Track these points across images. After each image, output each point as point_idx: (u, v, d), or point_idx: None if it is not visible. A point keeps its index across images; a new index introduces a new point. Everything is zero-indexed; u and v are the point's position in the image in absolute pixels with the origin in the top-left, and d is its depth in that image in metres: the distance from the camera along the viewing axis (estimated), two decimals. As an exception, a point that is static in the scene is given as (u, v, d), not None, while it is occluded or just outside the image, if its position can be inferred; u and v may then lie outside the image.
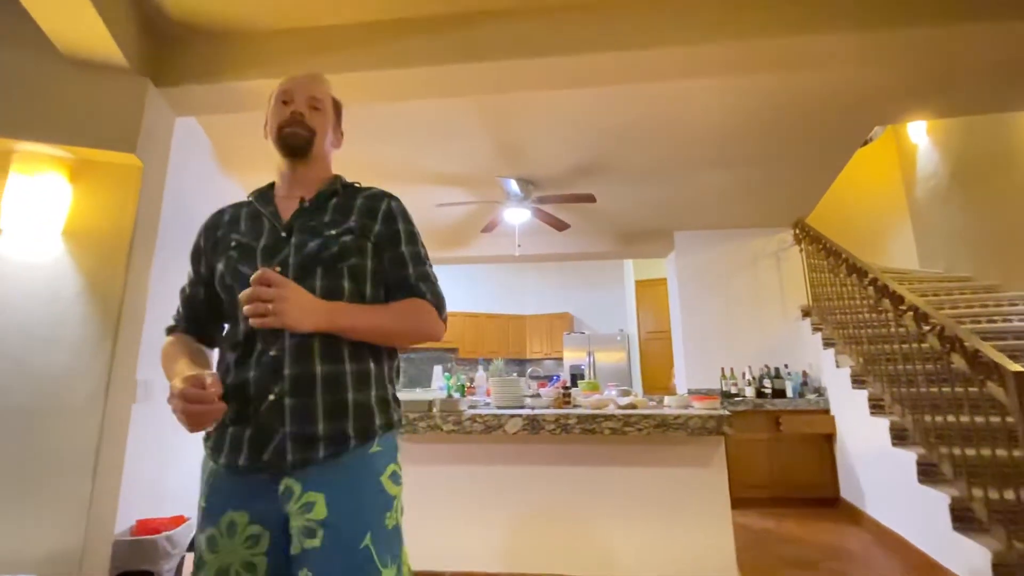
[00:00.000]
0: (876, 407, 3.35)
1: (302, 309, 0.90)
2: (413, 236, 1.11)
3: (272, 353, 0.95)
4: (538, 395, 2.68)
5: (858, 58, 2.21)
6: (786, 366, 4.48)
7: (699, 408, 2.37)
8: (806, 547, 3.09)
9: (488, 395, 2.96)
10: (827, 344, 4.13)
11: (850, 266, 3.70)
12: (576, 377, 6.99)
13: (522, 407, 2.54)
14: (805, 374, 4.38)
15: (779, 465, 4.03)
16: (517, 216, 4.23)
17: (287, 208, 1.07)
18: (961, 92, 2.76)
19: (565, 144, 3.47)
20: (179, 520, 2.56)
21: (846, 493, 3.84)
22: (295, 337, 0.95)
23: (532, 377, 4.09)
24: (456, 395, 2.90)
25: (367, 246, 1.04)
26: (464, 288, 8.48)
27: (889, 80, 2.69)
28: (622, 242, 5.44)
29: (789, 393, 4.27)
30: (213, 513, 0.93)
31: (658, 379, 6.71)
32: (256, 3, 2.15)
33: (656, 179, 3.99)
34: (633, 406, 2.45)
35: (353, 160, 3.53)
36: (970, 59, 2.33)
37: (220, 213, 1.16)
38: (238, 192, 4.01)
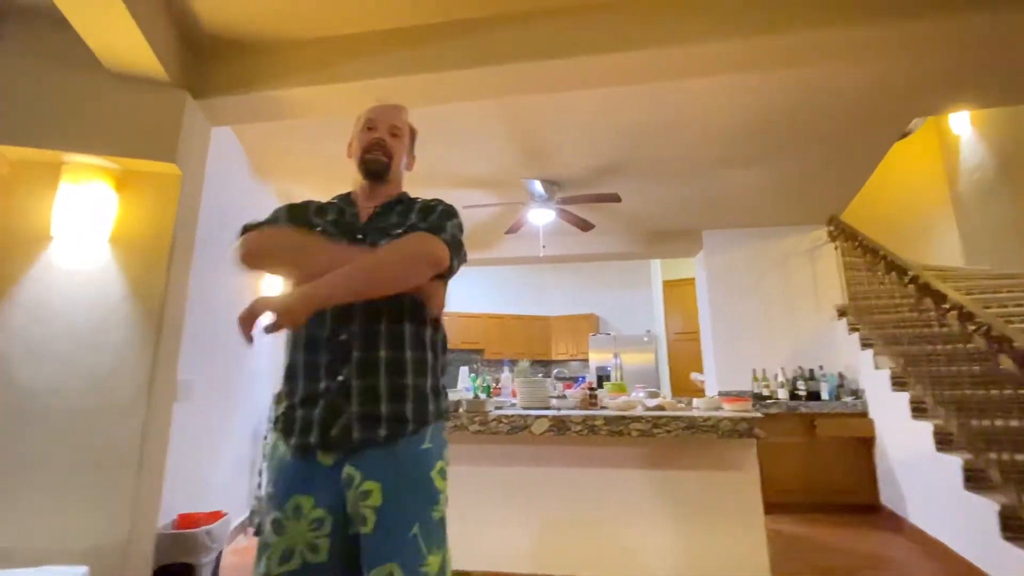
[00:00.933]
0: (918, 410, 3.22)
1: (287, 304, 0.98)
2: (444, 215, 1.16)
3: (342, 337, 1.04)
4: (564, 396, 2.68)
5: (897, 48, 2.12)
6: (821, 367, 4.35)
7: (730, 410, 2.32)
8: (844, 555, 2.99)
9: (514, 396, 2.96)
10: (865, 345, 3.99)
11: (889, 263, 3.56)
12: (602, 379, 6.93)
13: (548, 408, 2.54)
14: (841, 376, 4.24)
15: (814, 470, 3.91)
16: (541, 217, 4.23)
17: (364, 214, 1.21)
18: (1007, 81, 2.63)
19: (589, 144, 3.45)
20: (217, 515, 2.66)
21: (886, 499, 3.70)
22: (364, 324, 1.04)
23: (558, 378, 4.08)
24: (482, 396, 2.92)
25: None
26: (489, 289, 8.52)
27: (929, 70, 2.59)
28: (649, 242, 5.37)
29: (824, 395, 4.14)
30: (279, 497, 1.00)
31: (687, 381, 6.59)
32: (284, 16, 2.22)
33: (683, 177, 3.93)
34: (661, 408, 2.42)
35: (380, 165, 3.59)
36: (1018, 46, 2.22)
37: (308, 202, 1.26)
38: (270, 196, 4.13)
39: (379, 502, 0.97)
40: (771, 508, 3.48)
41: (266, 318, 0.98)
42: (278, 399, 1.10)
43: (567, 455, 2.46)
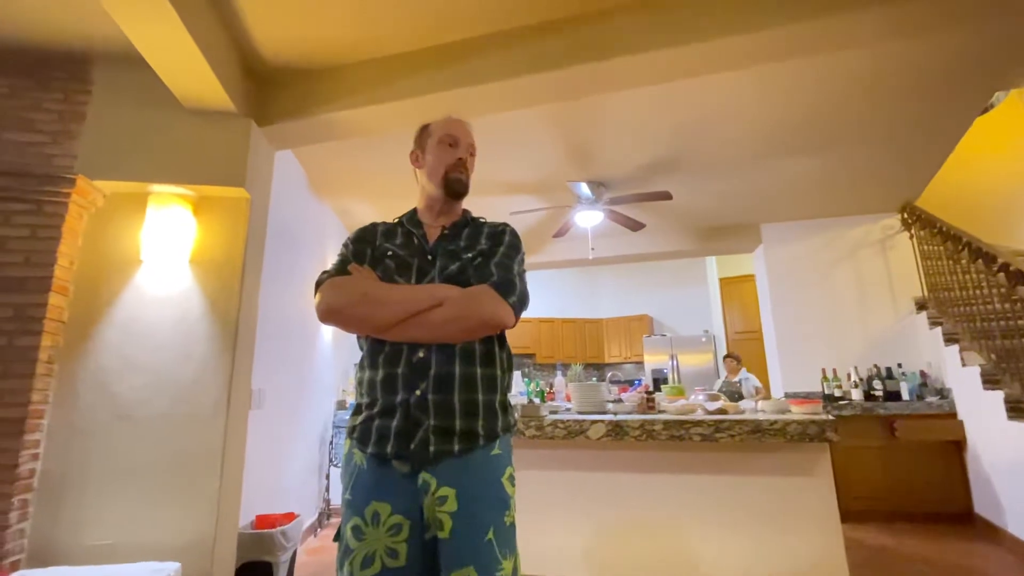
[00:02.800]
0: (1015, 410, 2.93)
1: None
2: (512, 249, 1.21)
3: (420, 355, 1.08)
4: (620, 400, 2.64)
5: (977, 14, 1.96)
6: (899, 365, 4.05)
7: (798, 413, 2.21)
8: (935, 567, 2.76)
9: (567, 400, 2.95)
10: (949, 340, 3.68)
11: (974, 251, 3.28)
12: (658, 381, 6.76)
13: (604, 412, 2.52)
14: (924, 374, 3.93)
15: (896, 475, 3.64)
16: (589, 219, 4.20)
17: (432, 234, 1.24)
18: (1108, 42, 2.37)
19: (636, 142, 3.40)
20: (291, 516, 2.81)
21: (980, 508, 3.39)
22: (440, 342, 1.08)
23: (612, 382, 4.02)
24: (536, 400, 2.93)
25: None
26: (539, 293, 8.52)
27: (1014, 36, 2.37)
28: (703, 239, 5.21)
29: (905, 395, 3.85)
30: (358, 504, 1.04)
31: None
32: (337, 43, 2.34)
33: (737, 171, 3.79)
34: (723, 411, 2.34)
35: (430, 176, 3.69)
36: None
37: (374, 225, 1.29)
38: (330, 215, 4.35)
39: (455, 507, 1.00)
40: (849, 516, 3.28)
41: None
42: (356, 410, 1.14)
43: (625, 460, 2.42)
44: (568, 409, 2.72)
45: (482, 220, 1.30)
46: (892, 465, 3.66)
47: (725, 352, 6.77)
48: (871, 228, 4.48)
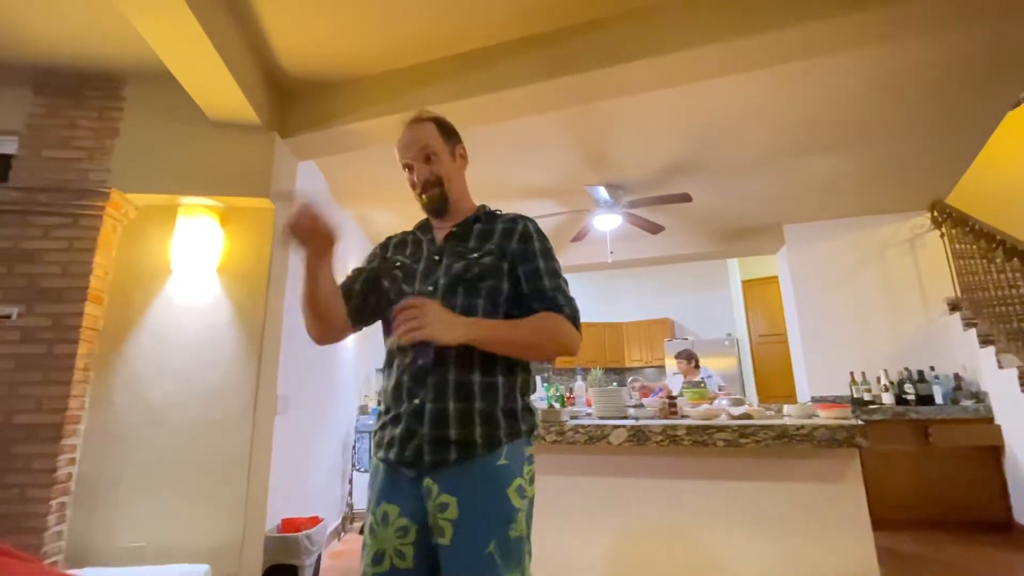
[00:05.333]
0: (1058, 415, 2.82)
1: (444, 324, 1.00)
2: (548, 252, 1.19)
3: (420, 363, 1.08)
4: (641, 405, 2.62)
5: (1002, 10, 1.91)
6: (932, 368, 3.92)
7: (826, 417, 2.16)
8: (973, 579, 2.66)
9: (588, 405, 2.94)
10: (985, 341, 3.55)
11: (1009, 249, 3.17)
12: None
13: (625, 418, 2.49)
14: (958, 377, 3.79)
15: (931, 482, 3.52)
16: (607, 223, 4.19)
17: (441, 236, 1.23)
18: None
19: (654, 145, 3.38)
20: (316, 520, 2.85)
21: (1021, 515, 3.25)
22: (437, 349, 1.05)
23: (633, 387, 3.98)
24: (556, 405, 2.92)
25: (504, 267, 1.13)
26: (559, 298, 8.46)
27: (1044, 29, 2.29)
28: (724, 240, 5.13)
29: (939, 399, 3.72)
30: (373, 504, 1.09)
31: (775, 386, 6.18)
32: (357, 55, 2.38)
33: (758, 171, 3.73)
34: (748, 416, 2.30)
35: (448, 183, 3.72)
36: None
37: (389, 239, 1.32)
38: (351, 223, 4.41)
39: (455, 515, 0.99)
40: (882, 524, 3.18)
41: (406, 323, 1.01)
42: (378, 416, 1.18)
43: (647, 466, 2.40)
44: (588, 414, 2.70)
45: (497, 212, 1.27)
46: (926, 471, 3.54)
47: (750, 355, 6.66)
48: (899, 227, 4.36)
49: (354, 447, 4.22)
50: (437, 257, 1.18)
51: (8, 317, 2.18)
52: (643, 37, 2.15)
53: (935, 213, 4.14)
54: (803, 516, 2.15)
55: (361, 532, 1.16)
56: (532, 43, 2.28)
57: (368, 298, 1.24)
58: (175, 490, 2.23)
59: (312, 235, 1.06)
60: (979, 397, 3.65)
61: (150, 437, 2.27)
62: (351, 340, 4.33)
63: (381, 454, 1.10)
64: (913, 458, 3.58)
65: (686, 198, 3.74)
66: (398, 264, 1.20)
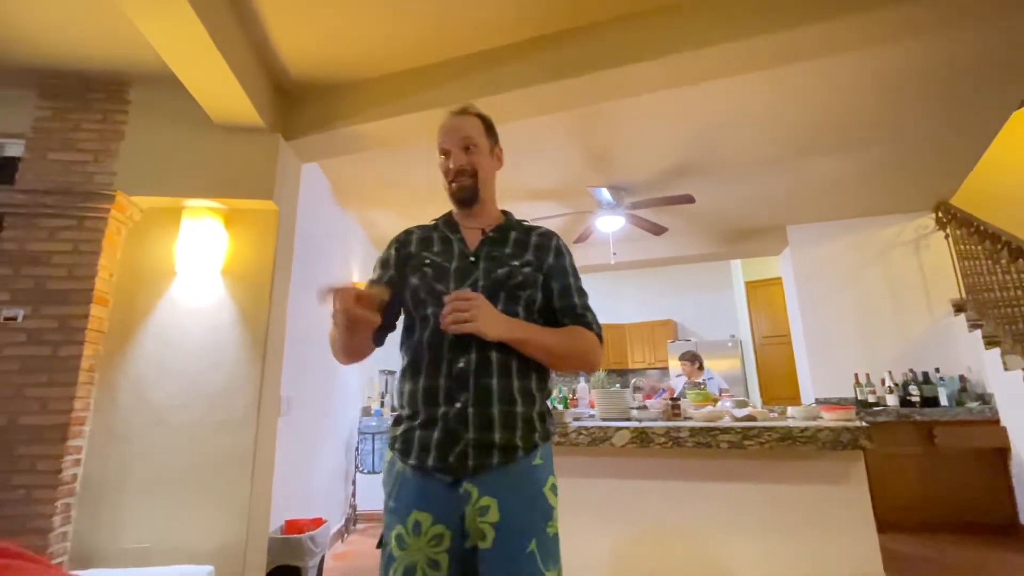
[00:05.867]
0: (1064, 417, 2.80)
1: (492, 319, 1.03)
2: (576, 270, 1.25)
3: (460, 365, 1.06)
4: (644, 407, 2.61)
5: (1006, 12, 1.90)
6: (937, 370, 3.90)
7: (830, 419, 2.15)
8: (979, 582, 2.64)
9: (591, 406, 2.94)
10: (990, 343, 3.54)
11: (1014, 250, 3.15)
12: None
13: (628, 419, 2.49)
14: (963, 379, 3.78)
15: (936, 484, 3.50)
16: (610, 224, 4.18)
17: (471, 237, 1.20)
18: None
19: (658, 146, 3.38)
20: (319, 522, 2.86)
21: (1030, 520, 3.23)
22: (478, 352, 1.06)
23: (637, 387, 3.98)
24: (559, 407, 2.92)
25: (539, 279, 1.16)
26: (562, 299, 8.44)
27: (1049, 29, 2.28)
28: (727, 242, 5.12)
29: (943, 401, 3.71)
30: (400, 513, 1.03)
31: (778, 388, 6.16)
32: (361, 58, 2.39)
33: (762, 172, 3.73)
34: (752, 418, 2.29)
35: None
36: None
37: (409, 232, 1.26)
38: (354, 224, 4.43)
39: (497, 518, 0.99)
40: (887, 526, 3.17)
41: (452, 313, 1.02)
42: (397, 421, 1.13)
43: (650, 468, 2.39)
44: (592, 416, 2.70)
45: (525, 223, 1.28)
46: (931, 473, 3.52)
47: (754, 357, 6.64)
48: (903, 228, 4.34)
49: (357, 448, 4.23)
50: (472, 259, 1.15)
51: (14, 319, 2.19)
52: (646, 39, 2.15)
53: (940, 214, 4.12)
54: (807, 518, 2.14)
55: (380, 543, 1.09)
56: (535, 45, 2.29)
57: (390, 312, 1.19)
58: (179, 491, 2.23)
59: (360, 319, 1.02)
60: (984, 399, 3.63)
61: (154, 438, 2.28)
62: (354, 341, 4.33)
63: (412, 460, 1.05)
64: (918, 460, 3.56)
65: (689, 199, 3.73)
66: (427, 262, 1.16)
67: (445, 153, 1.21)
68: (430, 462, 1.02)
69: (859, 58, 2.49)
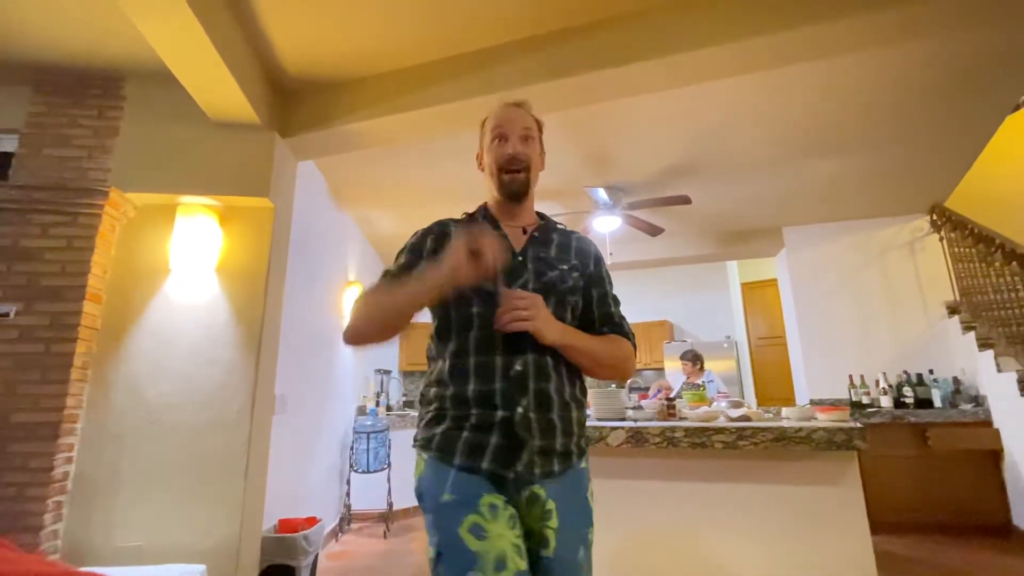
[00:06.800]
0: (1056, 419, 2.82)
1: (549, 321, 1.01)
2: (611, 279, 1.24)
3: (518, 368, 1.00)
4: (639, 407, 2.61)
5: (1002, 14, 1.91)
6: (931, 372, 3.92)
7: (824, 420, 2.16)
8: (972, 583, 2.66)
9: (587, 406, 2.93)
10: (984, 345, 3.56)
11: (1008, 253, 3.17)
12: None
13: (623, 419, 2.49)
14: (957, 380, 3.80)
15: (929, 485, 3.52)
16: (607, 224, 4.19)
17: (514, 236, 1.14)
18: None
19: (655, 147, 3.39)
20: (313, 521, 2.84)
21: (1020, 519, 3.25)
22: (534, 355, 1.01)
23: (632, 389, 3.98)
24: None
25: (581, 285, 1.14)
26: (558, 300, 8.44)
27: (1044, 34, 2.30)
28: (723, 243, 5.14)
29: (937, 403, 3.72)
30: (469, 501, 0.92)
31: (774, 389, 6.18)
32: (356, 54, 2.39)
33: (758, 174, 3.74)
34: (747, 418, 2.30)
35: (443, 183, 3.74)
36: None
37: (445, 224, 1.17)
38: (350, 223, 4.41)
39: (556, 524, 0.96)
40: (880, 528, 3.17)
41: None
42: (432, 422, 1.03)
43: (645, 467, 2.39)
44: (587, 416, 2.70)
45: (562, 226, 1.25)
46: (925, 475, 3.54)
47: (749, 358, 6.66)
48: (899, 230, 4.36)
49: (352, 448, 4.22)
50: (520, 258, 1.10)
51: (6, 315, 2.18)
52: (643, 39, 2.15)
53: (935, 216, 4.14)
54: (801, 519, 2.14)
55: (435, 557, 0.91)
56: (533, 44, 2.29)
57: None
58: (172, 490, 2.22)
59: (477, 265, 0.94)
60: (978, 401, 3.65)
61: (147, 436, 2.27)
62: (350, 340, 4.32)
63: (460, 460, 0.96)
64: (912, 461, 3.58)
65: (686, 200, 3.74)
66: None
67: (502, 138, 1.13)
68: (486, 465, 0.95)
69: (855, 61, 2.50)
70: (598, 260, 1.20)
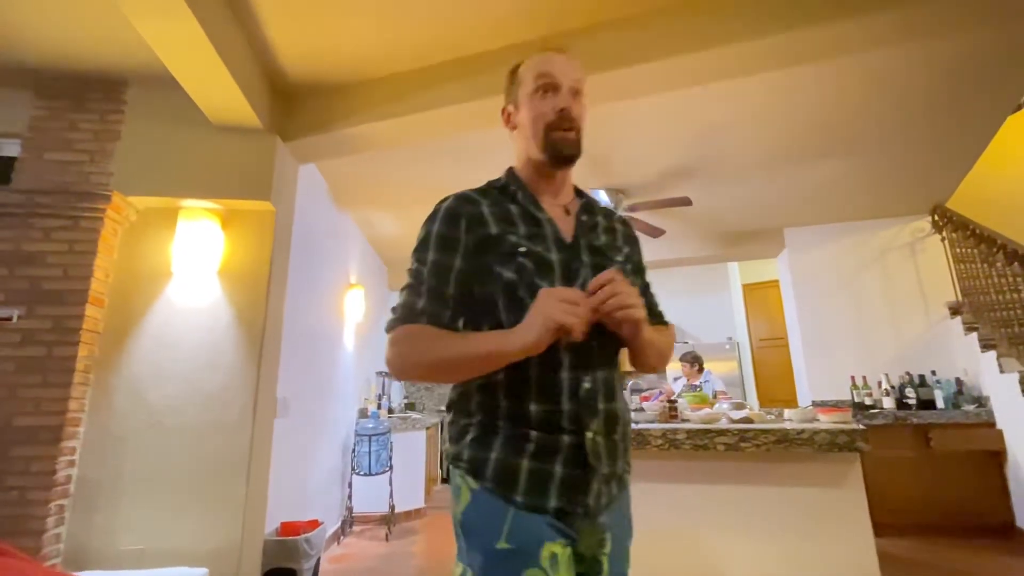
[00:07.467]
0: (1060, 420, 2.81)
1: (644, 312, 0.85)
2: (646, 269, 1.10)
3: (587, 386, 0.85)
4: (641, 409, 2.61)
5: (1002, 14, 1.91)
6: (933, 373, 3.91)
7: (826, 422, 2.15)
8: (976, 585, 2.65)
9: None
10: (986, 346, 3.55)
11: (1010, 253, 3.17)
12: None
13: (626, 421, 2.49)
14: (959, 381, 3.79)
15: (932, 487, 3.51)
16: (609, 226, 4.18)
17: (557, 216, 0.96)
18: None
19: (655, 149, 3.39)
20: (315, 524, 2.84)
21: (1023, 521, 3.24)
22: (603, 370, 0.88)
23: (633, 391, 3.98)
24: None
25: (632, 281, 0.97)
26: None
27: (1044, 34, 2.30)
28: (724, 244, 5.14)
29: (940, 404, 3.71)
30: (529, 552, 0.79)
31: (776, 390, 6.17)
32: (356, 58, 2.39)
33: (759, 175, 3.74)
34: (749, 420, 2.29)
35: (444, 184, 3.73)
36: None
37: (473, 201, 0.94)
38: (351, 225, 4.42)
39: (609, 549, 0.87)
40: (883, 529, 3.17)
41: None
42: (479, 443, 0.86)
43: (647, 469, 2.39)
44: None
45: (599, 204, 1.08)
46: (927, 476, 3.53)
47: (751, 359, 6.65)
48: (900, 231, 4.36)
49: (354, 450, 4.21)
50: (575, 248, 0.91)
51: (9, 319, 2.18)
52: (645, 41, 2.16)
53: (936, 217, 4.14)
54: (804, 521, 2.14)
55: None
56: (534, 47, 2.29)
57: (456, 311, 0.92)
58: (174, 493, 2.22)
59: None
60: (980, 401, 3.64)
61: (149, 440, 2.27)
62: (350, 342, 4.33)
63: (522, 498, 0.81)
64: (914, 463, 3.57)
65: (686, 202, 3.74)
66: (523, 250, 0.88)
67: (552, 88, 0.93)
68: (553, 503, 0.81)
69: (856, 62, 2.50)
70: (638, 245, 1.07)
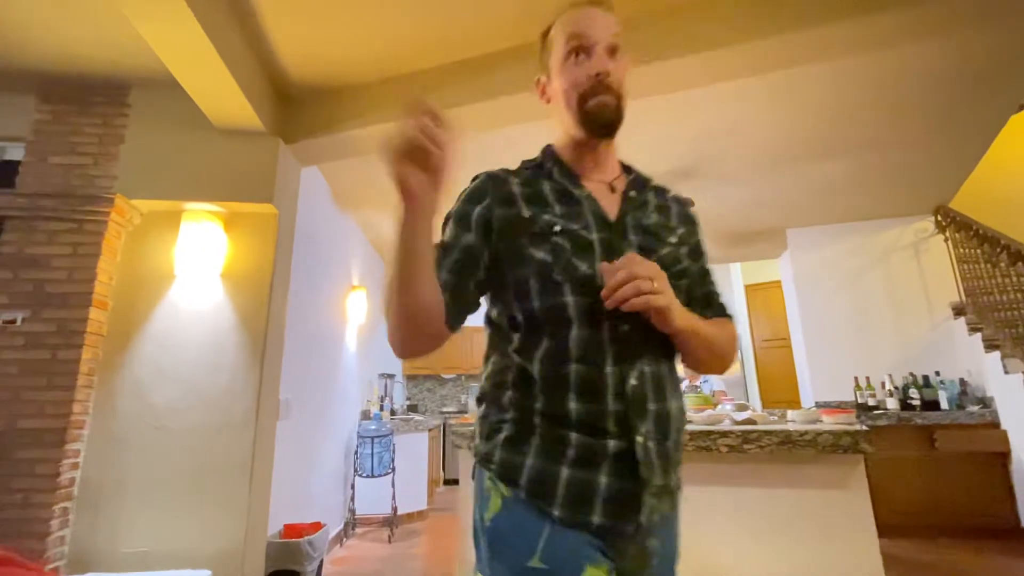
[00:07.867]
0: (1065, 420, 2.80)
1: (673, 298, 0.74)
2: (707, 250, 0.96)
3: (633, 382, 0.74)
4: (645, 410, 2.60)
5: (1004, 14, 1.91)
6: (937, 373, 3.90)
7: (830, 423, 2.14)
8: (981, 587, 2.63)
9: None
10: (990, 346, 3.53)
11: (1013, 253, 3.16)
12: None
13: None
14: (963, 382, 3.77)
15: (936, 488, 3.49)
16: (611, 228, 4.18)
17: (600, 194, 0.85)
18: None
19: (655, 151, 3.39)
20: (317, 526, 2.85)
21: (1031, 524, 3.22)
22: (652, 364, 0.77)
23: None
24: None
25: (687, 265, 0.88)
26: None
27: (1047, 34, 2.29)
28: (726, 245, 5.13)
29: (944, 404, 3.70)
30: (566, 574, 0.70)
31: (778, 391, 6.16)
32: (358, 61, 2.40)
33: (761, 176, 3.73)
34: (751, 421, 2.29)
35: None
36: None
37: (499, 180, 0.86)
38: (353, 227, 4.42)
39: (655, 564, 0.78)
40: (887, 531, 3.16)
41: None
42: (512, 443, 0.76)
43: (651, 471, 2.38)
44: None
45: (652, 181, 0.94)
46: (932, 477, 3.52)
47: (753, 361, 6.63)
48: (903, 231, 4.35)
49: (356, 452, 4.22)
50: (619, 227, 0.81)
51: (13, 322, 2.19)
52: (644, 43, 2.16)
53: (939, 217, 4.13)
54: (807, 523, 2.13)
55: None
56: (528, 50, 2.29)
57: (473, 291, 0.82)
58: (178, 495, 2.23)
59: (425, 162, 0.70)
60: (985, 402, 3.63)
61: (153, 442, 2.27)
62: (353, 344, 4.34)
63: (560, 512, 0.71)
64: (918, 464, 3.55)
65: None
66: (558, 229, 0.78)
67: (582, 50, 0.82)
68: (597, 519, 0.71)
69: (858, 62, 2.50)
70: (699, 227, 0.94)
